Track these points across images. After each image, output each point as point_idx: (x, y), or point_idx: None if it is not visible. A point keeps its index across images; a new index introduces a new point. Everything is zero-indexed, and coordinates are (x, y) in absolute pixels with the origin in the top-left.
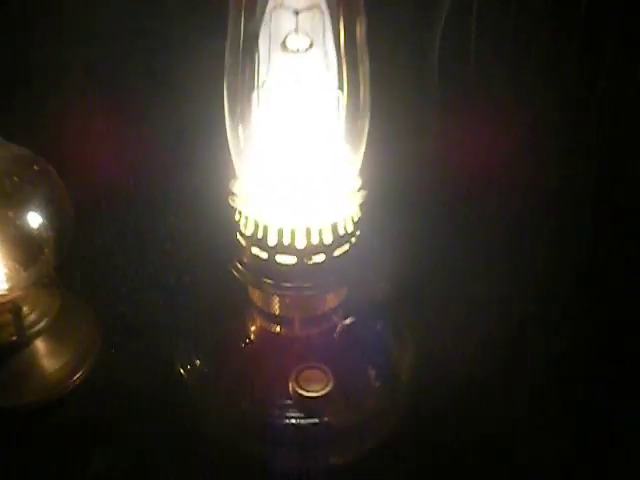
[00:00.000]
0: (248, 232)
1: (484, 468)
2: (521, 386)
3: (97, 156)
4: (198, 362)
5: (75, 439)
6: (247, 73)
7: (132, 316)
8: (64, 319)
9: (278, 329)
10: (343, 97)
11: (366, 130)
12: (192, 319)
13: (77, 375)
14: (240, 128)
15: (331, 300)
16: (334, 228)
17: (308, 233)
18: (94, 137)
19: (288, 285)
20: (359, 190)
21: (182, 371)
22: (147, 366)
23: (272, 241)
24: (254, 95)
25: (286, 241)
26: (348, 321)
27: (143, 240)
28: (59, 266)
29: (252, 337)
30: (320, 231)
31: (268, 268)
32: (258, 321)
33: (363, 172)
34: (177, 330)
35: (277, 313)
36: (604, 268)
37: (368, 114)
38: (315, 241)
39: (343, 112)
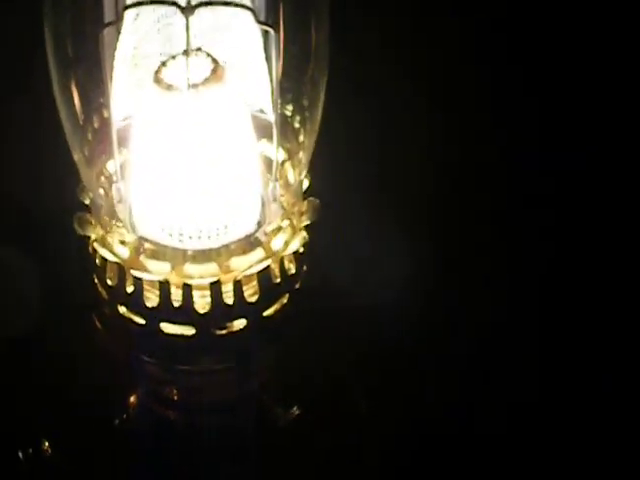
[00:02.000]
0: (111, 281)
1: None
2: None
3: None
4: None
5: None
6: None
7: None
8: None
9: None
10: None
11: None
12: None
13: None
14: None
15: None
16: (264, 274)
17: (217, 286)
18: None
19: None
20: (306, 199)
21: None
22: None
23: (152, 300)
24: None
25: (176, 300)
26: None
27: None
28: None
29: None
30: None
31: (148, 340)
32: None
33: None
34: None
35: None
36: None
37: None
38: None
39: None
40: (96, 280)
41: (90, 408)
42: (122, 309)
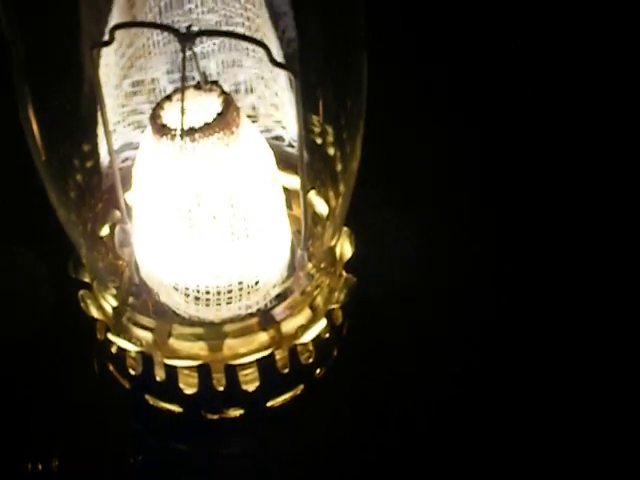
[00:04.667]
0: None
1: None
2: None
3: None
4: None
5: None
6: None
7: None
8: None
9: None
10: None
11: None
12: None
13: None
14: None
15: None
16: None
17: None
18: None
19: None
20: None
21: None
22: None
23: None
24: None
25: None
26: None
27: None
28: None
29: None
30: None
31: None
32: None
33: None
34: None
35: None
36: None
37: None
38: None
39: None
40: (112, 368)
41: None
42: (151, 399)
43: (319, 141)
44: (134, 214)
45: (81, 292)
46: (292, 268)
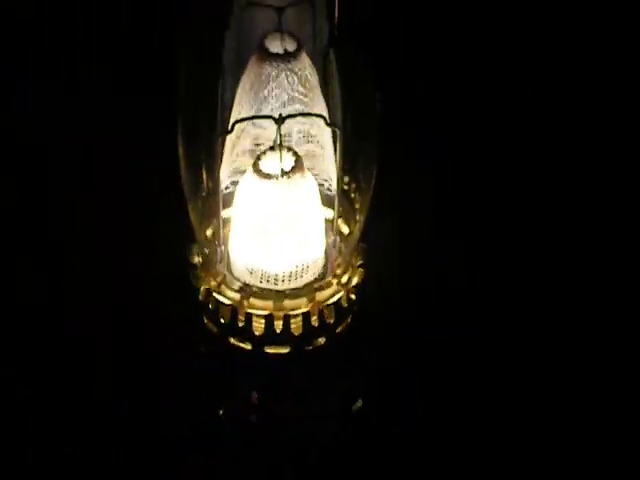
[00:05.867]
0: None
1: None
2: None
3: None
4: None
5: None
6: None
7: None
8: None
9: None
10: None
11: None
12: None
13: None
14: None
15: None
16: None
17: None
18: None
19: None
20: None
21: None
22: None
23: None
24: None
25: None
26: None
27: None
28: None
29: None
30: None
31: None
32: None
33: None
34: None
35: None
36: None
37: None
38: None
39: None
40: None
41: None
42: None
43: (346, 187)
44: (231, 224)
45: (194, 271)
46: (326, 261)
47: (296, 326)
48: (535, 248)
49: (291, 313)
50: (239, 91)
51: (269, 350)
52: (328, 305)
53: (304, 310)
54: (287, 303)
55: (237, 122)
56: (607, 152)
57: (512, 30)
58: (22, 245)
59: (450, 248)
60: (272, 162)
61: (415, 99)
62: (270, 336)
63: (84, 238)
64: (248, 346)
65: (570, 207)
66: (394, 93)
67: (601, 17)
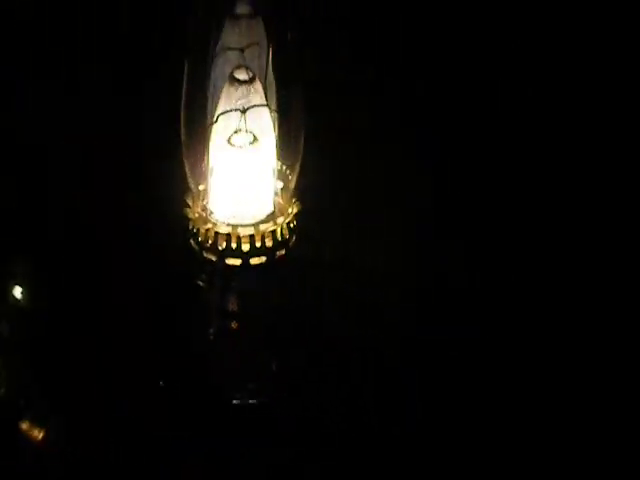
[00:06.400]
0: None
1: None
2: None
3: None
4: None
5: None
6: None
7: None
8: None
9: None
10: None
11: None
12: None
13: None
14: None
15: None
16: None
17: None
18: None
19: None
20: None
21: None
22: None
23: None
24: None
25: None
26: None
27: None
28: None
29: None
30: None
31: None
32: None
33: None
34: None
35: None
36: None
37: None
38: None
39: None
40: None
41: None
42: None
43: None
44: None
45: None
46: (273, 206)
47: (246, 245)
48: (535, 248)
49: (241, 235)
50: (221, 100)
51: (228, 262)
52: (267, 233)
53: (250, 233)
54: (240, 230)
55: (220, 115)
56: (607, 152)
57: (512, 30)
58: (22, 245)
59: (450, 248)
60: (240, 138)
61: (415, 99)
62: (229, 250)
63: (84, 238)
64: (214, 257)
65: (570, 207)
66: (394, 93)
67: (601, 17)
